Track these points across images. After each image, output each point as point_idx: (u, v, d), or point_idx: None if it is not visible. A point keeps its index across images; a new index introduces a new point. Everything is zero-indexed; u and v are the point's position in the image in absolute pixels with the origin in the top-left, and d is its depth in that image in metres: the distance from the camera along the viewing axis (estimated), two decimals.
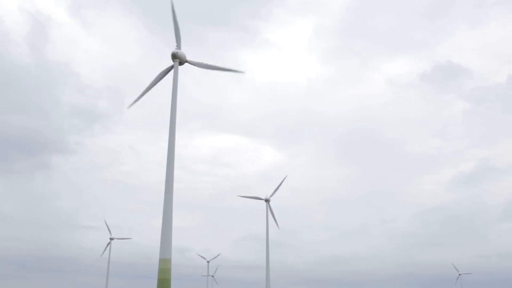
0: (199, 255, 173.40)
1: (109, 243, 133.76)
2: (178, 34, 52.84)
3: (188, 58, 52.98)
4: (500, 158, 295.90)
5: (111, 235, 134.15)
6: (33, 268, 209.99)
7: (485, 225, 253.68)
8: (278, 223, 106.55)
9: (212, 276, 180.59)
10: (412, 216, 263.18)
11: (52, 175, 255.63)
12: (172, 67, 52.50)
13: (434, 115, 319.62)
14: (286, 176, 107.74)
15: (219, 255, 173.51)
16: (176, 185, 47.44)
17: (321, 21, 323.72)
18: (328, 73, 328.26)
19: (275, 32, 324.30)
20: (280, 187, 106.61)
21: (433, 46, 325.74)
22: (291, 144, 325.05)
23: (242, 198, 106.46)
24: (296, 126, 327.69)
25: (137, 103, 54.44)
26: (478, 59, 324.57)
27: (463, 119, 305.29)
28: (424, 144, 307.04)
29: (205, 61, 54.17)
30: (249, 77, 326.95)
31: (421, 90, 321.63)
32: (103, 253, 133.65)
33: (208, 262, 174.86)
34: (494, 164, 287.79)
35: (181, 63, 52.59)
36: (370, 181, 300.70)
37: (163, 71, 53.65)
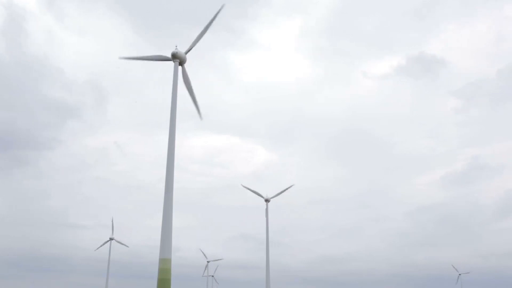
0: (201, 251, 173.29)
1: (107, 241, 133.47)
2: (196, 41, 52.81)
3: (184, 52, 52.54)
4: (493, 156, 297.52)
5: (112, 235, 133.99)
6: (25, 267, 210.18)
7: (479, 225, 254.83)
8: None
9: (212, 276, 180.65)
10: (406, 216, 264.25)
11: (36, 173, 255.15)
12: (166, 59, 52.14)
13: (425, 114, 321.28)
14: (293, 185, 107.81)
15: (220, 259, 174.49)
16: None
17: (308, 21, 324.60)
18: (316, 73, 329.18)
19: (262, 32, 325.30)
20: (283, 193, 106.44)
21: (421, 45, 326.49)
22: (284, 144, 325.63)
23: (242, 191, 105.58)
24: (288, 126, 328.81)
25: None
26: (467, 56, 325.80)
27: (454, 116, 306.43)
28: (416, 143, 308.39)
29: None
30: (239, 77, 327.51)
31: (411, 89, 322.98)
32: (98, 248, 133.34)
33: (208, 262, 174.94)
34: (486, 162, 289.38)
35: (181, 63, 52.60)
36: (364, 181, 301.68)
37: (160, 56, 52.68)
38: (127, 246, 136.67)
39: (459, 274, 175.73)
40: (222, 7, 52.43)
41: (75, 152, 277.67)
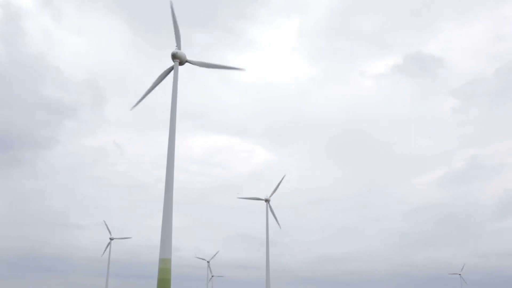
0: (198, 258, 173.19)
1: (109, 243, 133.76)
2: (178, 34, 52.80)
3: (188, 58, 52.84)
4: (492, 156, 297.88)
5: (111, 235, 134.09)
6: (25, 267, 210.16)
7: (479, 224, 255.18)
8: (279, 223, 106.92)
9: (212, 276, 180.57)
10: (406, 216, 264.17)
11: (35, 173, 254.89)
12: (172, 68, 52.53)
13: (424, 113, 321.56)
14: (285, 175, 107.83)
15: (217, 252, 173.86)
16: None
17: (306, 21, 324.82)
18: (315, 73, 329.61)
19: (260, 32, 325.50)
20: (279, 186, 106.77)
21: (420, 44, 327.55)
22: (283, 144, 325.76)
23: (240, 199, 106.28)
24: (288, 126, 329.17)
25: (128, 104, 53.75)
26: (466, 55, 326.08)
27: (453, 116, 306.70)
28: (415, 143, 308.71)
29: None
30: (237, 77, 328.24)
31: (410, 89, 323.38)
32: (103, 253, 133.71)
33: (208, 262, 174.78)
34: (485, 162, 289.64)
35: (181, 63, 52.56)
36: (364, 181, 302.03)
37: (164, 72, 53.58)
38: (130, 237, 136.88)
39: (459, 274, 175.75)
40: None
41: (74, 152, 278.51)
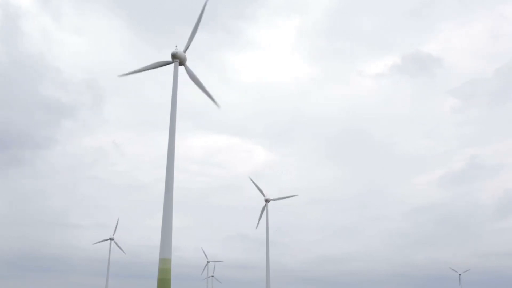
0: (203, 250, 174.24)
1: (107, 240, 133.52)
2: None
3: (187, 63, 52.71)
4: (492, 156, 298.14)
5: (113, 235, 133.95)
6: (25, 267, 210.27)
7: (479, 224, 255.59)
8: (293, 195, 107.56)
9: (212, 276, 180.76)
10: (406, 216, 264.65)
11: (34, 173, 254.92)
12: (166, 63, 52.08)
13: (424, 113, 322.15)
14: (250, 177, 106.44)
15: (220, 261, 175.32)
16: None
17: (306, 21, 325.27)
18: (315, 73, 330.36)
19: (260, 32, 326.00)
20: (259, 187, 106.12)
21: (419, 44, 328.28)
22: (283, 144, 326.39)
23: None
24: (288, 126, 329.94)
25: (126, 77, 52.19)
26: (466, 55, 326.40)
27: (453, 116, 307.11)
28: (415, 143, 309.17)
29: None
30: (237, 77, 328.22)
31: (410, 89, 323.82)
32: (96, 243, 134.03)
33: (208, 262, 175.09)
34: (485, 162, 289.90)
35: (181, 64, 52.53)
36: (363, 181, 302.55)
37: (160, 62, 52.67)
38: (124, 253, 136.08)
39: (459, 274, 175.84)
40: (206, 2, 52.55)
41: (74, 152, 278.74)
